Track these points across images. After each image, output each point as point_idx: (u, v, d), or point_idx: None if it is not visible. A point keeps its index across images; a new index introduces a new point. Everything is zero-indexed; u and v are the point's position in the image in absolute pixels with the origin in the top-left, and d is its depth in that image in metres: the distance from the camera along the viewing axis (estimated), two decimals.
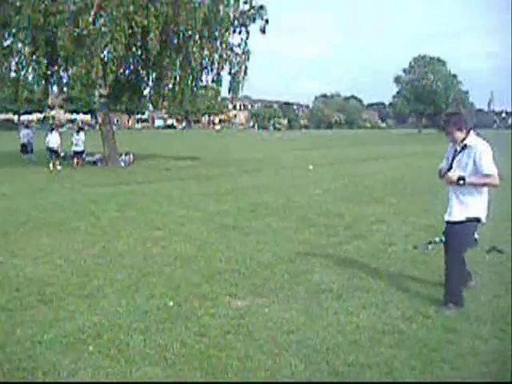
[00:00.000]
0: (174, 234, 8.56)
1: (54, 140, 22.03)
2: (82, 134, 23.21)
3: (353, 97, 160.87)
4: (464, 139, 5.36)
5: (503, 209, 10.49)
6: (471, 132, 5.43)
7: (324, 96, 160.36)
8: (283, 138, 64.57)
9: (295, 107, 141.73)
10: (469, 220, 5.33)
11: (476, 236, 5.62)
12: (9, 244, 7.76)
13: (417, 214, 10.55)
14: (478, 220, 5.37)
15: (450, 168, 5.49)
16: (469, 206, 5.32)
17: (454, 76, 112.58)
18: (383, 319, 4.90)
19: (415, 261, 6.98)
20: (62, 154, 22.99)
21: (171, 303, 5.22)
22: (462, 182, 5.28)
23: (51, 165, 21.50)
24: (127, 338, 4.43)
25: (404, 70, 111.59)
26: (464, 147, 5.36)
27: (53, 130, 23.19)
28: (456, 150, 5.46)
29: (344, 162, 24.88)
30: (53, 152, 21.89)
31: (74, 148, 23.08)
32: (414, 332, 4.61)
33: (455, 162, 5.41)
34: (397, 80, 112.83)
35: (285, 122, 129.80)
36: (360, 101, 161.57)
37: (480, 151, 5.27)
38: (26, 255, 7.12)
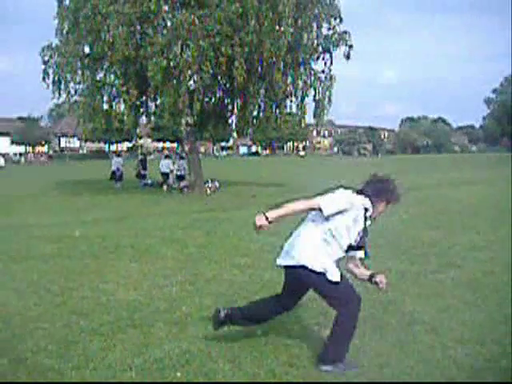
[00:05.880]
0: (261, 261, 8.44)
1: (166, 165, 26.87)
2: (183, 160, 26.50)
3: (440, 119, 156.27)
4: None
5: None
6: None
7: (410, 119, 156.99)
8: (369, 164, 63.61)
9: (380, 132, 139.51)
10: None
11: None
12: (99, 269, 7.97)
13: None
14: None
15: None
16: None
17: None
18: (483, 355, 4.58)
19: None
20: (150, 182, 27.25)
21: (259, 332, 5.12)
22: None
23: (165, 187, 25.39)
24: (215, 366, 4.38)
25: (494, 91, 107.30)
26: None
27: (166, 156, 28.74)
28: None
29: (431, 187, 24.05)
30: (165, 175, 26.54)
31: (178, 173, 26.41)
32: None
33: None
34: (487, 101, 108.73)
35: (370, 147, 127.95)
36: (448, 124, 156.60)
37: None
38: (115, 281, 7.26)
